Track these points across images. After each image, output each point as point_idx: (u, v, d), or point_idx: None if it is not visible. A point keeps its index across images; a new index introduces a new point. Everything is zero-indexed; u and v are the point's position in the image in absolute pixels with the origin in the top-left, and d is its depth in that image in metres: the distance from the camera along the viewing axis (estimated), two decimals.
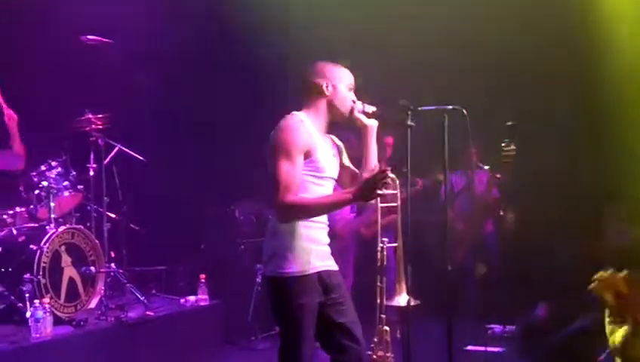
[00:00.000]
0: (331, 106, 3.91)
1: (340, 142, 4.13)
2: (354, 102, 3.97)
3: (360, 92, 4.05)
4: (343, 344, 3.96)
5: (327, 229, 3.97)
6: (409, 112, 3.94)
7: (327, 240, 4.00)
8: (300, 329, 3.76)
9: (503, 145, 9.72)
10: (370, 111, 3.98)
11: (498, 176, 7.96)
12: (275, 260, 3.77)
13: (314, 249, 3.81)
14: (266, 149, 3.76)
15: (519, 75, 8.38)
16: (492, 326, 7.47)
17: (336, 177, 4.01)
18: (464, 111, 3.95)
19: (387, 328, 4.46)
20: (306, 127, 3.78)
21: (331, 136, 4.08)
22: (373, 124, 4.01)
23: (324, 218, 3.92)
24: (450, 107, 3.95)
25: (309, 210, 3.71)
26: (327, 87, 3.89)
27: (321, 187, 3.84)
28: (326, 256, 3.93)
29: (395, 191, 4.54)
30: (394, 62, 8.34)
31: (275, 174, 3.62)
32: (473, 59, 8.32)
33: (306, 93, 3.95)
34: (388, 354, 4.46)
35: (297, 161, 3.68)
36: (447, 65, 8.28)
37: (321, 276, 3.84)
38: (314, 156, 3.77)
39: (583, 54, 7.96)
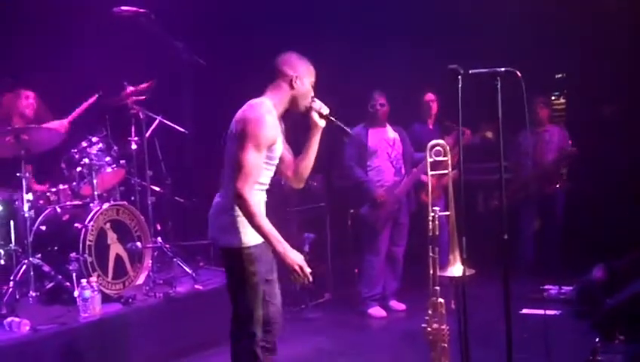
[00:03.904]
0: (294, 99, 4.12)
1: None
2: (313, 99, 4.14)
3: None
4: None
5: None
6: (459, 77, 3.76)
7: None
8: (259, 294, 4.07)
9: (552, 98, 9.54)
10: (324, 113, 4.14)
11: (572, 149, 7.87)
12: (232, 233, 4.00)
13: None
14: (235, 128, 3.96)
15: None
16: (547, 287, 7.30)
17: None
18: (518, 73, 3.75)
19: (442, 300, 4.34)
20: (273, 119, 3.99)
21: None
22: (322, 124, 4.16)
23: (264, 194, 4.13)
24: (503, 69, 3.75)
25: (251, 217, 3.87)
26: (295, 80, 4.09)
27: (269, 171, 4.08)
28: None
29: (445, 158, 4.40)
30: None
31: (242, 161, 3.85)
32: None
33: (275, 80, 4.14)
34: (443, 327, 4.35)
35: (263, 154, 3.92)
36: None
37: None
38: (274, 146, 4.01)
39: None
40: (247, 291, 4.04)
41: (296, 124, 4.26)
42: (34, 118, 6.62)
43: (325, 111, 4.15)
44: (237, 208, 3.93)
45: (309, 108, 4.14)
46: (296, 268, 3.89)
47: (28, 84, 6.76)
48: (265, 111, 3.96)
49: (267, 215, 3.96)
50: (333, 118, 4.15)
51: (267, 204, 4.10)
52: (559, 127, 8.31)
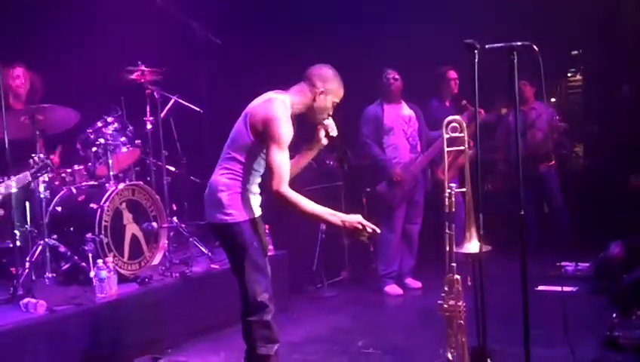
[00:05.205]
0: (311, 110, 4.22)
1: None
2: (329, 115, 4.26)
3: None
4: None
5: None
6: (476, 51, 3.71)
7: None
8: (260, 264, 4.19)
9: (568, 75, 9.45)
10: (331, 134, 4.25)
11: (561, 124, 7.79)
12: (228, 209, 4.10)
13: (255, 199, 4.22)
14: (253, 120, 4.05)
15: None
16: (564, 264, 7.26)
17: None
18: (535, 47, 3.69)
19: (458, 276, 4.32)
20: (289, 118, 4.06)
21: None
22: (324, 143, 4.31)
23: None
24: (520, 43, 3.69)
25: (295, 208, 3.97)
26: (320, 94, 4.19)
27: (264, 161, 4.14)
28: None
29: (462, 135, 4.37)
30: None
31: (271, 164, 3.97)
32: None
33: (302, 83, 4.25)
34: (459, 304, 4.33)
35: (286, 151, 4.01)
36: None
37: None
38: None
39: None
40: (249, 263, 4.13)
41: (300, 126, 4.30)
42: (26, 97, 6.54)
43: (333, 133, 4.26)
44: (231, 185, 4.09)
45: (320, 123, 4.25)
46: (359, 226, 3.96)
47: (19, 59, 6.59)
48: (284, 111, 4.05)
49: None
50: (337, 143, 4.31)
51: None
52: (545, 105, 8.25)
